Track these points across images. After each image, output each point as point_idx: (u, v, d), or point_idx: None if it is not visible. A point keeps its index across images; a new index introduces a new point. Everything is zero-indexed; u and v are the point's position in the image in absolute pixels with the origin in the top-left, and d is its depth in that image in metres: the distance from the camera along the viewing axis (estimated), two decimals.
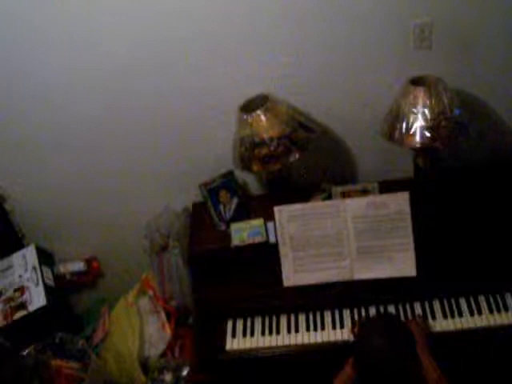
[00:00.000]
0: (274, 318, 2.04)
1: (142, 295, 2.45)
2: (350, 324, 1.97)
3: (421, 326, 1.88)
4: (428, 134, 1.86)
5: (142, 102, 2.14)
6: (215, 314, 2.06)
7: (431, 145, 1.88)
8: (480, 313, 1.93)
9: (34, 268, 2.35)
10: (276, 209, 2.01)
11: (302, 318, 2.03)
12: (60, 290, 2.40)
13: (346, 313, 2.01)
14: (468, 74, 2.08)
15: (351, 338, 1.92)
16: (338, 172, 2.35)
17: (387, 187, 2.13)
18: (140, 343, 2.27)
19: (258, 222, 2.14)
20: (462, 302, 1.97)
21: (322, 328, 1.99)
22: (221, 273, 2.10)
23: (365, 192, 2.16)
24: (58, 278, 2.44)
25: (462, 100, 1.94)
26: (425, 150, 2.00)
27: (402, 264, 1.98)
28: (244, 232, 2.12)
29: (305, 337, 1.98)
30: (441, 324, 1.93)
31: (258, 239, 2.09)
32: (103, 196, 2.41)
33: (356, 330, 1.91)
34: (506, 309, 1.92)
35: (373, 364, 1.70)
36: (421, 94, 1.85)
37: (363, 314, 2.00)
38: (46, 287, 2.29)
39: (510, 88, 2.12)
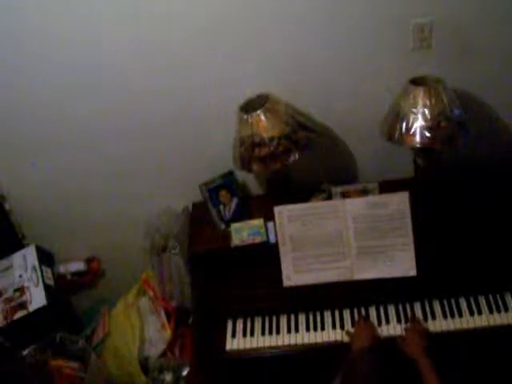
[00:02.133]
0: (274, 318, 2.04)
1: (142, 295, 2.45)
2: (350, 324, 1.98)
3: (420, 331, 1.88)
4: (428, 134, 1.86)
5: (142, 101, 2.13)
6: (215, 314, 2.06)
7: (431, 145, 1.88)
8: (480, 313, 1.93)
9: (34, 268, 2.35)
10: (276, 209, 2.01)
11: (302, 318, 2.03)
12: (60, 290, 2.40)
13: (346, 313, 2.01)
14: (468, 74, 2.08)
15: (346, 339, 1.93)
16: (337, 172, 2.35)
17: (387, 187, 2.13)
18: (140, 343, 2.27)
19: (257, 222, 2.14)
20: (462, 302, 1.97)
21: (322, 328, 1.99)
22: (221, 273, 2.10)
23: (365, 192, 2.17)
24: (58, 278, 2.44)
25: (461, 100, 1.94)
26: (425, 150, 2.00)
27: (402, 264, 1.98)
28: (244, 232, 2.12)
29: (305, 337, 1.98)
30: (441, 324, 1.93)
31: (258, 239, 2.09)
32: (103, 196, 2.41)
33: (351, 330, 1.91)
34: (506, 309, 1.92)
35: None
36: (421, 94, 1.85)
37: (363, 314, 2.00)
38: (46, 287, 2.29)
39: (509, 88, 2.12)
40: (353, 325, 1.96)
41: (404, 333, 1.90)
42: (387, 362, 1.66)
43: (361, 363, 1.65)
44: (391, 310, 1.99)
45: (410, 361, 1.75)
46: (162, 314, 2.37)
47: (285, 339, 1.99)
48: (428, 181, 2.11)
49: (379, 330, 1.94)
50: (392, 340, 1.90)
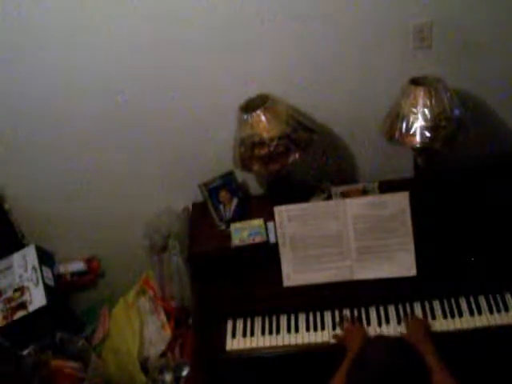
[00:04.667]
0: (274, 318, 2.04)
1: (142, 295, 2.45)
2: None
3: (423, 322, 1.90)
4: (428, 134, 1.86)
5: (142, 102, 2.14)
6: (215, 314, 2.06)
7: (431, 145, 1.88)
8: (480, 313, 1.93)
9: (34, 268, 2.35)
10: (276, 209, 2.01)
11: (302, 318, 2.03)
12: (60, 290, 2.40)
13: (346, 313, 2.01)
14: (468, 74, 2.08)
15: (333, 341, 1.93)
16: (338, 172, 2.35)
17: (387, 187, 2.13)
18: (140, 343, 2.27)
19: (257, 222, 2.14)
20: (462, 302, 1.97)
21: (322, 328, 1.99)
22: (221, 273, 2.10)
23: (365, 192, 2.17)
24: (58, 277, 2.44)
25: (461, 100, 1.94)
26: (425, 150, 2.00)
27: (402, 264, 1.98)
28: (244, 232, 2.12)
29: (305, 337, 1.98)
30: (441, 324, 1.93)
31: (258, 239, 2.09)
32: (103, 196, 2.41)
33: (339, 333, 1.92)
34: (506, 309, 1.92)
35: None
36: (421, 94, 1.85)
37: (363, 313, 2.00)
38: (46, 287, 2.29)
39: (509, 88, 2.12)
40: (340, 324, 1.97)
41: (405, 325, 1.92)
42: (395, 347, 1.64)
43: (370, 349, 1.62)
44: (391, 309, 2.00)
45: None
46: (162, 314, 2.37)
47: (285, 339, 1.99)
48: (428, 181, 2.11)
49: (379, 330, 1.94)
50: None
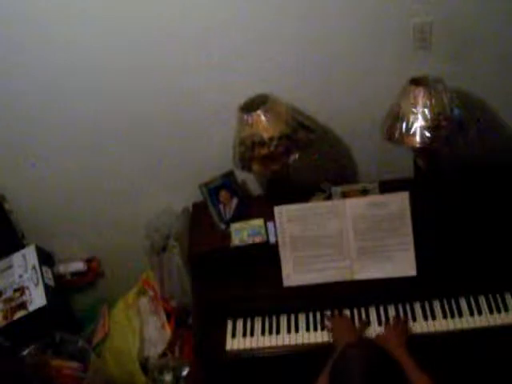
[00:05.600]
0: (274, 318, 2.04)
1: (142, 295, 2.45)
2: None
3: (398, 329, 1.87)
4: (428, 134, 1.86)
5: (142, 102, 2.14)
6: (215, 314, 2.06)
7: (431, 145, 1.88)
8: (480, 313, 1.93)
9: (34, 268, 2.35)
10: (276, 209, 2.01)
11: (301, 318, 2.03)
12: (60, 290, 2.40)
13: (346, 313, 2.01)
14: (468, 74, 2.08)
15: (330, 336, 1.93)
16: (338, 172, 2.35)
17: (387, 187, 2.13)
18: (140, 343, 2.27)
19: (258, 222, 2.14)
20: (462, 302, 1.97)
21: (322, 328, 1.99)
22: (221, 273, 2.10)
23: (365, 192, 2.17)
24: (58, 277, 2.44)
25: (461, 100, 1.94)
26: (425, 150, 2.00)
27: (402, 264, 1.98)
28: (244, 232, 2.12)
29: (305, 337, 1.98)
30: (441, 324, 1.93)
31: (258, 239, 2.09)
32: (103, 196, 2.41)
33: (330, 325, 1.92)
34: (506, 309, 1.92)
35: None
36: (421, 94, 1.85)
37: (363, 314, 2.00)
38: (46, 287, 2.29)
39: (509, 88, 2.12)
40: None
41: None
42: (376, 358, 1.63)
43: (350, 361, 1.61)
44: (391, 310, 1.99)
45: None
46: (162, 313, 2.37)
47: (285, 339, 1.99)
48: (428, 181, 2.11)
49: (379, 330, 1.94)
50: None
